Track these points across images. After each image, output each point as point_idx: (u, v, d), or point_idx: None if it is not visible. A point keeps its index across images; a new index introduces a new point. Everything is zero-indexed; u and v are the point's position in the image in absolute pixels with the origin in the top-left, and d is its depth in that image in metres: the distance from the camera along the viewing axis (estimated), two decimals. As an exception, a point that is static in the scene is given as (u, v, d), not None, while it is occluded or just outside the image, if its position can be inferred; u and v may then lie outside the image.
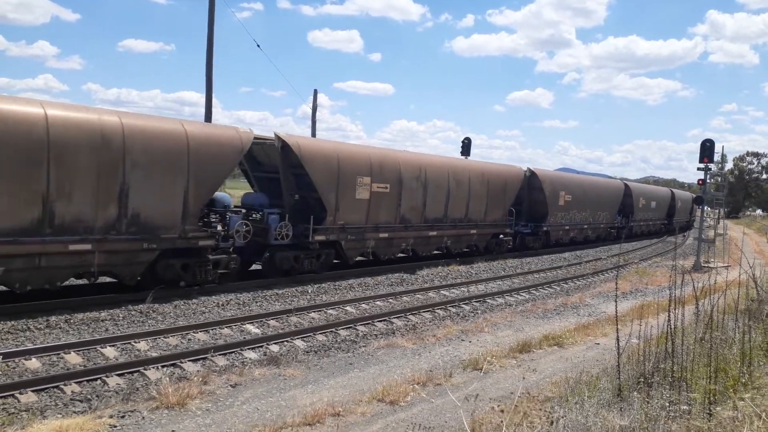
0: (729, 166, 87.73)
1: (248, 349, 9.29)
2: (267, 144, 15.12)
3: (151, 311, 11.00)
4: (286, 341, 9.84)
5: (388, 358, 9.25)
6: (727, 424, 4.49)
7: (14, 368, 7.83)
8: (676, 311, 5.94)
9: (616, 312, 6.76)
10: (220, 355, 8.87)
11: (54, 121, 10.36)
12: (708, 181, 24.30)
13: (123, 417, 6.40)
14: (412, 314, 12.39)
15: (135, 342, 9.16)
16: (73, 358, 8.33)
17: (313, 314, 11.79)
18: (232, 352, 9.06)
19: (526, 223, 25.70)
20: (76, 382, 7.40)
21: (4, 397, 6.83)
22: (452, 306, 13.50)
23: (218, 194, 13.97)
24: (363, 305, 12.91)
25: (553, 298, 15.46)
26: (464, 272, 18.56)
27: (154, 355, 8.69)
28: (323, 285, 14.59)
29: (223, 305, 11.96)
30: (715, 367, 5.39)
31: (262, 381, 7.87)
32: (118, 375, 7.77)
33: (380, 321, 11.64)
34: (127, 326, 10.15)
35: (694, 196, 35.04)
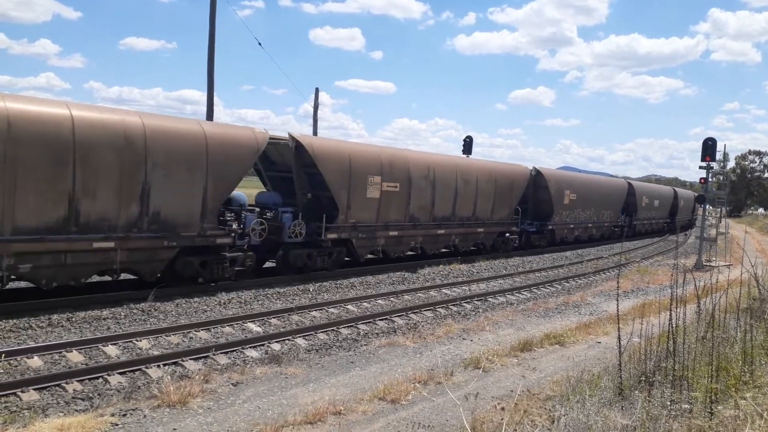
0: (731, 164, 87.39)
1: (250, 347, 9.30)
2: (281, 144, 15.34)
3: (152, 309, 11.02)
4: (288, 340, 9.85)
5: (389, 356, 9.25)
6: (729, 423, 4.49)
7: (16, 366, 7.85)
8: (678, 310, 5.93)
9: (617, 311, 6.75)
10: (221, 353, 8.88)
11: (79, 122, 10.63)
12: (710, 179, 24.26)
13: (125, 415, 6.41)
14: (413, 313, 12.39)
15: (137, 340, 9.17)
16: (75, 357, 8.35)
17: (314, 313, 11.79)
18: (233, 351, 9.07)
19: (532, 222, 25.88)
20: (77, 381, 7.41)
21: (6, 395, 6.84)
22: (453, 304, 13.50)
23: (235, 193, 14.21)
24: (364, 304, 12.91)
25: (554, 297, 15.46)
26: (465, 271, 18.56)
27: (156, 353, 8.70)
28: (324, 284, 14.59)
29: (224, 304, 11.97)
30: (716, 366, 5.38)
31: (264, 379, 7.87)
32: (120, 373, 7.78)
33: (381, 320, 11.64)
34: (129, 325, 10.16)
35: (696, 194, 35.02)
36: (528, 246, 25.30)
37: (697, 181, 25.60)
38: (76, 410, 6.67)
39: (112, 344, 8.92)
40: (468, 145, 27.44)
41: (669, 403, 4.86)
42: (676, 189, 49.18)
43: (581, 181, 30.02)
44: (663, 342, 6.12)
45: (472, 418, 5.61)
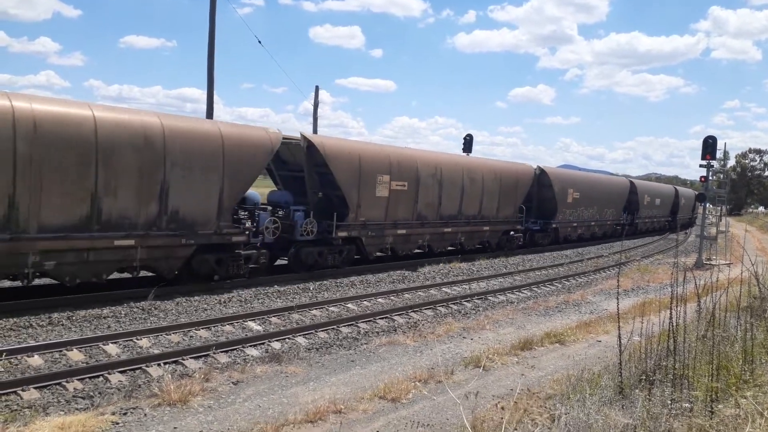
0: (731, 163, 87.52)
1: (250, 346, 9.30)
2: (293, 144, 15.59)
3: (153, 308, 11.02)
4: (288, 338, 9.85)
5: (389, 355, 9.25)
6: (729, 421, 4.49)
7: (17, 365, 7.85)
8: (678, 309, 5.94)
9: (617, 309, 6.76)
10: (221, 352, 8.88)
11: (101, 123, 10.88)
12: (710, 178, 24.25)
13: (125, 414, 6.41)
14: (413, 311, 12.39)
15: (137, 339, 9.17)
16: (76, 355, 8.35)
17: (314, 311, 11.79)
18: (233, 350, 9.07)
19: (536, 220, 26.09)
20: (78, 379, 7.41)
21: (7, 394, 6.84)
22: (454, 303, 13.49)
23: (248, 192, 14.47)
24: (365, 302, 12.91)
25: (554, 296, 15.45)
26: (466, 269, 18.56)
27: (156, 352, 8.70)
28: (325, 282, 14.60)
29: (224, 302, 11.97)
30: (717, 365, 5.38)
31: (264, 378, 7.87)
32: (120, 372, 7.78)
33: (382, 318, 11.64)
34: (129, 323, 10.16)
35: (697, 193, 35.01)
36: (532, 244, 25.54)
37: (698, 179, 25.58)
38: (77, 409, 6.67)
39: (112, 343, 8.92)
40: (468, 144, 27.41)
41: (669, 401, 4.87)
42: (677, 187, 49.24)
43: (584, 180, 30.26)
44: (663, 341, 6.12)
45: (473, 417, 5.62)
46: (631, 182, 36.87)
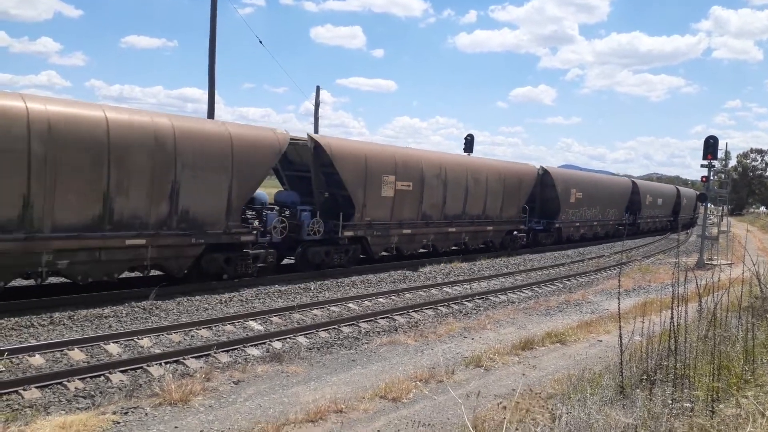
0: (732, 163, 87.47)
1: (251, 345, 9.30)
2: (300, 144, 15.76)
3: (154, 308, 11.02)
4: (289, 338, 9.85)
5: (390, 355, 9.25)
6: (730, 421, 4.49)
7: (18, 365, 7.85)
8: (679, 308, 5.93)
9: (618, 309, 6.75)
10: (222, 351, 8.88)
11: (113, 125, 11.05)
12: (711, 178, 24.22)
13: (126, 413, 6.42)
14: (414, 311, 12.39)
15: (138, 339, 9.18)
16: (77, 355, 8.36)
17: (315, 311, 11.79)
18: (234, 349, 9.07)
19: (539, 220, 26.23)
20: (79, 379, 7.41)
21: (8, 393, 6.85)
22: (454, 303, 13.49)
23: (257, 192, 14.62)
24: (365, 302, 12.91)
25: (555, 296, 15.45)
26: (467, 269, 18.55)
27: (157, 351, 8.70)
28: (326, 282, 14.60)
29: (225, 302, 11.98)
30: (718, 365, 5.38)
31: (265, 378, 7.88)
32: (122, 371, 7.78)
33: (383, 318, 11.64)
34: (131, 323, 10.17)
35: (698, 193, 34.96)
36: (535, 244, 25.69)
37: (698, 179, 25.56)
38: (78, 408, 6.68)
39: (113, 342, 8.92)
40: (469, 143, 27.39)
41: (670, 401, 4.86)
42: (679, 188, 49.28)
43: (587, 180, 30.41)
44: (664, 340, 6.12)
45: (474, 417, 5.62)
46: (633, 182, 36.98)
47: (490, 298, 14.50)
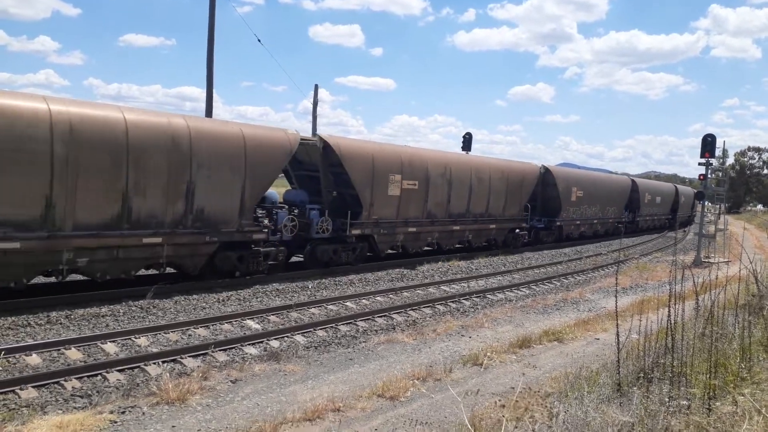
0: (730, 161, 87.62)
1: (248, 344, 9.29)
2: (309, 144, 16.05)
3: (151, 307, 11.01)
4: (287, 337, 9.85)
5: (388, 353, 9.25)
6: (727, 419, 4.49)
7: (15, 364, 7.84)
8: (676, 306, 5.94)
9: (616, 307, 6.76)
10: (220, 350, 8.87)
11: (132, 126, 11.31)
12: (709, 176, 24.24)
13: (123, 412, 6.41)
14: (412, 310, 12.39)
15: (135, 338, 9.17)
16: (74, 354, 8.34)
17: (313, 310, 11.79)
18: (232, 348, 9.06)
19: (540, 218, 26.58)
20: (76, 378, 7.40)
21: (5, 392, 6.83)
22: (452, 301, 13.50)
23: (267, 191, 14.91)
24: (363, 301, 12.91)
25: (553, 294, 15.46)
26: (464, 267, 18.56)
27: (155, 350, 8.69)
28: (323, 281, 14.60)
29: (223, 301, 11.97)
30: (714, 363, 5.39)
31: (263, 376, 7.87)
32: (119, 371, 7.77)
33: (380, 316, 11.64)
34: (128, 322, 10.15)
35: (696, 191, 35.00)
36: (537, 242, 26.00)
37: (696, 177, 25.59)
38: (75, 408, 6.67)
39: (110, 341, 8.90)
40: (467, 142, 27.40)
41: (667, 399, 4.87)
42: (677, 186, 49.54)
43: (587, 179, 30.75)
44: (661, 338, 6.12)
45: (472, 415, 5.62)
46: (633, 181, 37.29)
47: (488, 296, 14.51)
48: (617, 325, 6.16)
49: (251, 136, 13.52)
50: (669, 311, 5.83)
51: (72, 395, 7.00)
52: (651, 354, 6.11)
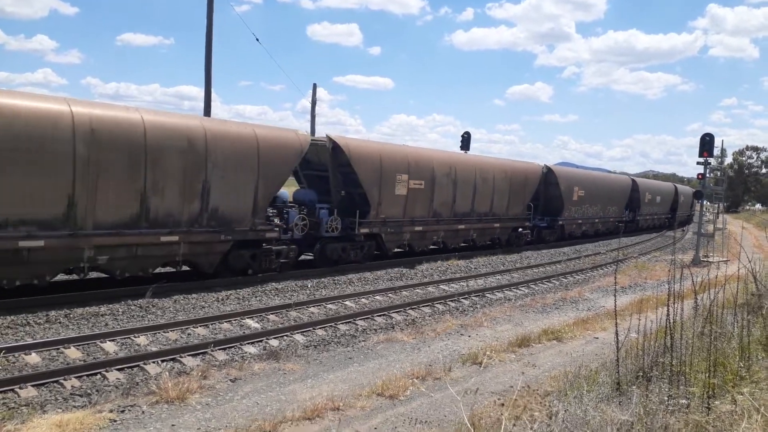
0: (728, 160, 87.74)
1: (248, 343, 9.29)
2: (318, 145, 16.41)
3: (150, 306, 11.00)
4: (286, 336, 9.85)
5: (387, 352, 9.26)
6: (726, 418, 4.50)
7: (14, 363, 7.83)
8: (675, 305, 5.94)
9: (615, 306, 6.77)
10: (219, 349, 8.87)
11: (150, 127, 11.62)
12: (707, 175, 24.27)
13: (123, 411, 6.41)
14: (411, 309, 12.40)
15: (135, 337, 9.17)
16: (73, 353, 8.33)
17: (312, 309, 11.79)
18: (231, 347, 9.06)
19: (543, 217, 26.96)
20: (75, 377, 7.40)
21: (4, 391, 6.83)
22: (451, 300, 13.50)
23: (279, 191, 15.22)
24: (362, 300, 12.91)
25: (552, 293, 15.47)
26: (463, 267, 18.56)
27: (154, 349, 8.69)
28: (323, 280, 14.61)
29: (222, 300, 11.97)
30: (713, 362, 5.39)
31: (262, 375, 7.88)
32: (118, 369, 7.77)
33: (379, 315, 11.64)
34: (127, 321, 10.15)
35: (694, 190, 35.05)
36: (539, 240, 26.32)
37: (695, 176, 25.62)
38: (74, 406, 6.67)
39: (110, 341, 8.90)
40: (466, 141, 27.41)
41: (666, 398, 4.88)
42: (677, 185, 49.75)
43: (589, 178, 31.14)
44: (660, 337, 6.13)
45: (471, 414, 5.62)
46: (633, 180, 37.62)
47: (487, 295, 14.52)
48: (616, 324, 6.17)
49: (264, 137, 13.84)
50: (668, 310, 5.84)
51: (71, 394, 7.00)
52: (650, 353, 6.11)
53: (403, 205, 18.08)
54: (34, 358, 8.03)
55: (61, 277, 11.52)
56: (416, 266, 17.62)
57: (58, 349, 8.39)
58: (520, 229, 24.46)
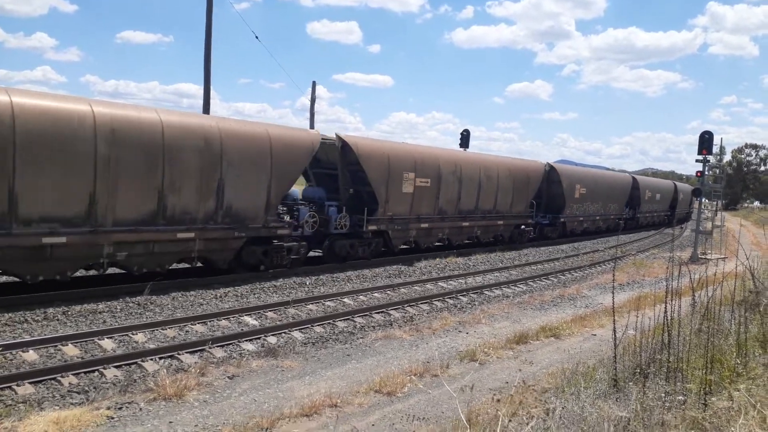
0: (727, 158, 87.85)
1: (246, 340, 9.29)
2: (327, 143, 16.55)
3: (148, 303, 11.00)
4: (284, 333, 9.85)
5: (385, 349, 9.26)
6: (722, 414, 4.50)
7: (12, 360, 7.83)
8: (673, 302, 5.95)
9: (613, 303, 6.77)
10: (217, 346, 8.87)
11: (167, 127, 11.94)
12: (706, 173, 24.29)
13: (120, 408, 6.41)
14: (409, 306, 12.40)
15: (132, 334, 9.16)
16: (71, 350, 8.33)
17: (310, 306, 11.79)
18: (229, 344, 9.06)
19: (545, 215, 27.25)
20: (73, 374, 7.40)
21: (2, 389, 6.83)
22: (450, 298, 13.51)
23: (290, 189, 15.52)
24: (361, 297, 12.91)
25: (550, 290, 15.48)
26: (462, 264, 18.58)
27: (152, 346, 8.69)
28: (321, 277, 14.61)
29: (220, 297, 11.96)
30: (710, 358, 5.39)
31: (260, 372, 7.88)
32: (116, 367, 7.77)
33: (378, 313, 11.65)
34: (125, 318, 10.15)
35: (693, 188, 35.08)
36: (542, 238, 26.62)
37: (694, 174, 25.63)
38: (72, 404, 6.66)
39: (107, 338, 8.90)
40: (465, 139, 27.41)
41: (663, 394, 4.88)
42: (676, 183, 49.87)
43: (590, 176, 31.37)
44: (658, 334, 6.13)
45: (468, 410, 5.63)
46: (633, 178, 37.90)
47: (485, 292, 14.52)
48: (614, 320, 6.17)
49: (276, 137, 14.13)
50: (665, 307, 5.84)
51: (69, 391, 7.00)
52: (647, 350, 6.12)
53: (409, 203, 18.32)
54: (31, 355, 8.02)
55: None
56: (415, 263, 17.64)
57: (55, 346, 8.38)
58: (523, 227, 24.70)
